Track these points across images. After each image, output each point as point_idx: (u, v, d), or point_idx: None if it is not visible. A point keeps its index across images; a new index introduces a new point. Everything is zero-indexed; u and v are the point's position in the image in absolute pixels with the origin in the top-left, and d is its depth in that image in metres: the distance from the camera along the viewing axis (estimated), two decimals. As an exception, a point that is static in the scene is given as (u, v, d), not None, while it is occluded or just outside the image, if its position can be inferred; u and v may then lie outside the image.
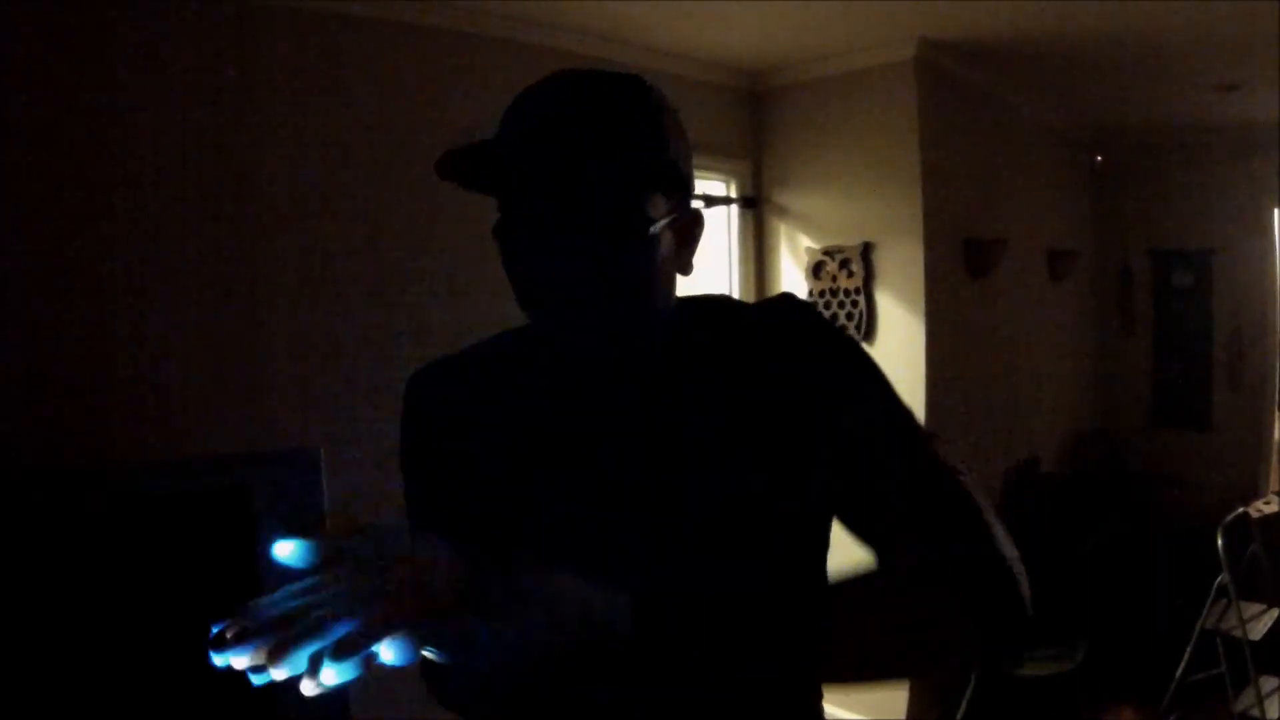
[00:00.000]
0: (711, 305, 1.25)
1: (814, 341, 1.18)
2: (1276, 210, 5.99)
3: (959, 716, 4.20)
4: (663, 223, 1.09)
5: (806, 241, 4.66)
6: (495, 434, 1.18)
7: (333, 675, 0.74)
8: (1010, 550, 1.10)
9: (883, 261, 4.41)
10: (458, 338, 1.32)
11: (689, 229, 1.16)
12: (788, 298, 1.25)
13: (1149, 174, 6.29)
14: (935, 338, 4.30)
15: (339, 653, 0.73)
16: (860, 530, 1.16)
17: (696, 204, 1.26)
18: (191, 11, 3.02)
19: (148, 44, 2.94)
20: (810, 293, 4.60)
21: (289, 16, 3.24)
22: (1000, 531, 1.11)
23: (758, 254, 4.83)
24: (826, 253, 4.55)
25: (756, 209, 4.83)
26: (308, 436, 3.07)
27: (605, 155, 1.05)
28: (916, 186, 4.28)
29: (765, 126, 4.80)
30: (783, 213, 4.77)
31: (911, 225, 4.30)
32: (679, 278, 1.18)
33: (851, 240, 4.47)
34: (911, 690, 4.29)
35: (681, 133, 1.14)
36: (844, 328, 4.36)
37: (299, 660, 0.74)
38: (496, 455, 1.17)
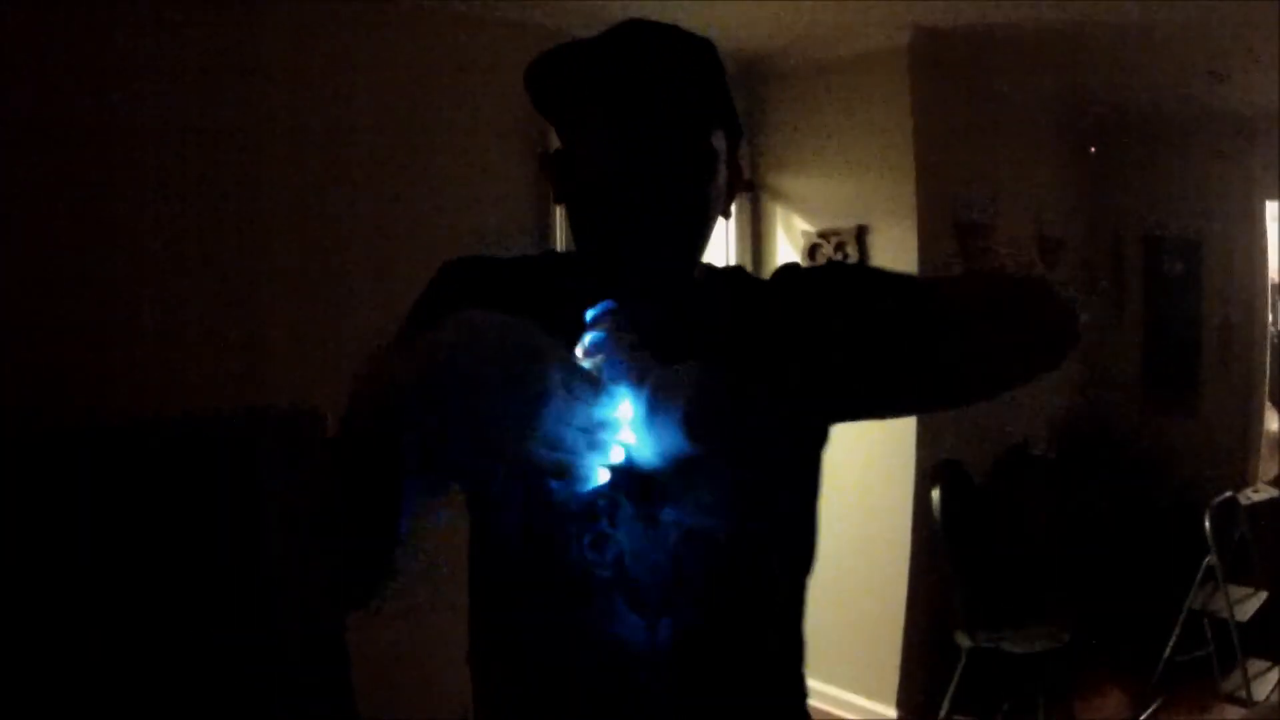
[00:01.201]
0: (731, 270, 1.40)
1: (812, 275, 1.32)
2: (1268, 203, 6.04)
3: (949, 694, 4.25)
4: (722, 157, 1.19)
5: (802, 224, 4.71)
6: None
7: None
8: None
9: (877, 244, 4.46)
10: None
11: (736, 173, 1.27)
12: (792, 264, 1.35)
13: (1141, 162, 6.32)
14: (929, 320, 4.34)
15: None
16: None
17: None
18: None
19: (150, 29, 2.98)
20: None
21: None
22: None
23: (754, 236, 4.88)
24: (822, 235, 4.60)
25: (753, 192, 4.87)
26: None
27: (684, 88, 1.15)
28: (910, 171, 4.33)
29: (762, 111, 4.84)
30: (778, 196, 4.81)
31: (905, 209, 4.35)
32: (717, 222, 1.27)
33: (846, 223, 4.52)
34: (902, 667, 4.35)
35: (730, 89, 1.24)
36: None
37: None
38: None
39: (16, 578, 2.41)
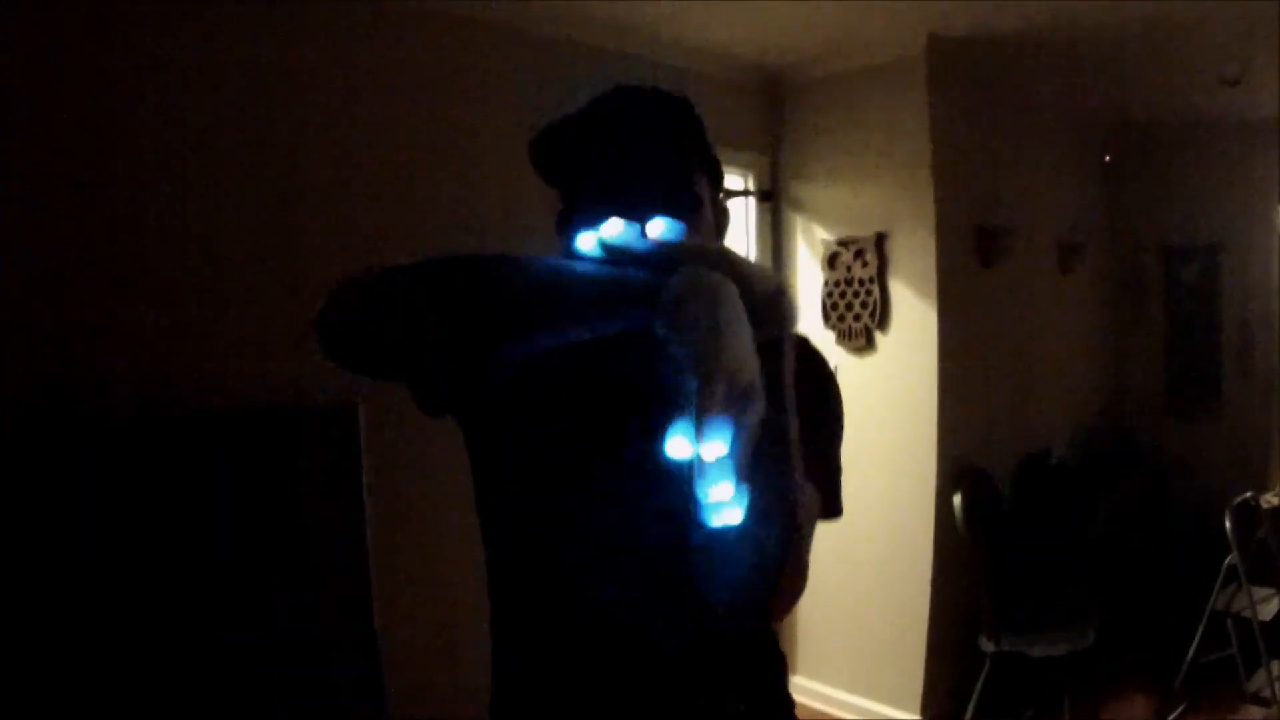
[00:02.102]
0: None
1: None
2: (1282, 206, 6.06)
3: (974, 699, 4.28)
4: (707, 200, 1.34)
5: (822, 233, 4.75)
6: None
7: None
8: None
9: (896, 251, 4.50)
10: None
11: (722, 213, 1.43)
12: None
13: (1157, 168, 6.36)
14: (947, 325, 4.38)
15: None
16: None
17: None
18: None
19: (181, 31, 3.04)
20: (826, 282, 4.70)
21: (324, 7, 3.35)
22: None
23: (775, 245, 4.93)
24: (841, 243, 4.64)
25: (773, 201, 4.92)
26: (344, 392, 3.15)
27: (664, 147, 1.29)
28: (928, 178, 4.37)
29: (782, 122, 4.89)
30: (799, 205, 4.86)
31: (923, 216, 4.39)
32: None
33: (865, 231, 4.56)
34: (926, 675, 4.37)
35: (708, 132, 1.39)
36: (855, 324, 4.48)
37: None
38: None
39: (56, 567, 2.43)
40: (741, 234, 4.88)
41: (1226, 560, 4.50)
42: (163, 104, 3.01)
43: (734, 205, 4.83)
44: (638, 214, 1.17)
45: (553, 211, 1.38)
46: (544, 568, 1.33)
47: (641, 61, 4.15)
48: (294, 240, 3.28)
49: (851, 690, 4.61)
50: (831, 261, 4.69)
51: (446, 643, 3.37)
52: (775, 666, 1.48)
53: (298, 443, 2.81)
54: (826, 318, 4.74)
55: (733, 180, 4.83)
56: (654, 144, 1.31)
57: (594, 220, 1.20)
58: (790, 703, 1.49)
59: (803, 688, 4.66)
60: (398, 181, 3.55)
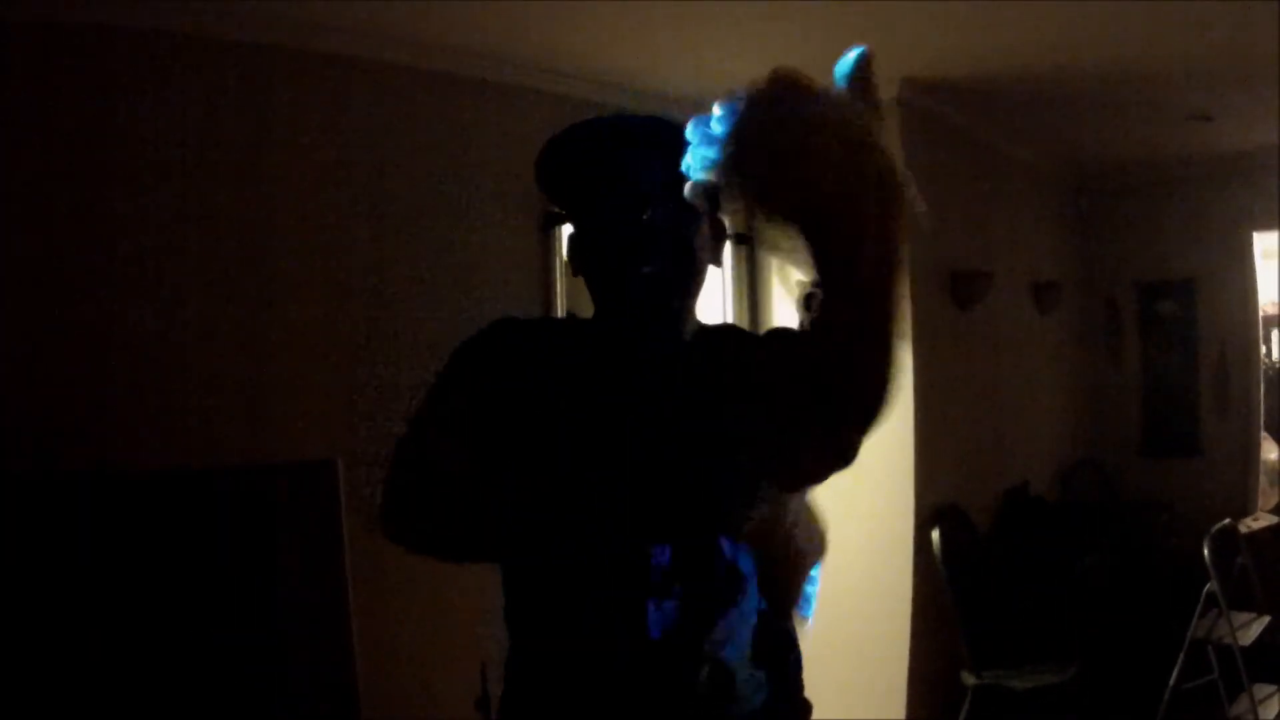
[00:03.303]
0: (722, 328, 1.66)
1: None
2: (1255, 236, 6.16)
3: (958, 729, 4.32)
4: (703, 217, 1.44)
5: (797, 275, 4.81)
6: (571, 399, 1.44)
7: None
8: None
9: (871, 292, 4.56)
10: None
11: (717, 228, 1.52)
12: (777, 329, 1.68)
13: (1130, 206, 6.46)
14: (924, 366, 4.44)
15: None
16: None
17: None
18: (198, 47, 3.24)
19: (155, 78, 3.15)
20: (801, 324, 4.74)
21: (295, 59, 3.46)
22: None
23: (751, 286, 4.99)
24: (816, 285, 4.70)
25: (750, 244, 5.00)
26: (319, 445, 3.23)
27: (664, 163, 1.38)
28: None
29: (756, 166, 4.97)
30: (775, 246, 4.92)
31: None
32: (710, 270, 1.55)
33: (841, 272, 4.62)
34: (909, 709, 4.40)
35: None
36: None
37: None
38: (571, 415, 1.43)
39: (36, 629, 2.46)
40: (718, 275, 4.94)
41: (1205, 588, 4.55)
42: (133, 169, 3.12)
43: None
44: (640, 224, 1.40)
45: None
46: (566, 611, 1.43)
47: (615, 109, 4.24)
48: (272, 290, 3.38)
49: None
50: (807, 302, 4.73)
51: (430, 698, 3.41)
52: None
53: (278, 499, 2.84)
54: (803, 358, 4.76)
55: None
56: (654, 164, 1.39)
57: (600, 228, 1.44)
58: None
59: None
60: (394, 241, 3.67)
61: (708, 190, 1.43)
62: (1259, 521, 5.31)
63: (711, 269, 1.55)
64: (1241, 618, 4.60)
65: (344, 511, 2.84)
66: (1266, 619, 4.65)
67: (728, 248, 4.76)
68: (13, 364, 2.83)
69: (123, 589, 2.57)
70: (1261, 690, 4.48)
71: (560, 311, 3.94)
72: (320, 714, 2.86)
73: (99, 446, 2.89)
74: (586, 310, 1.57)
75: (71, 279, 2.97)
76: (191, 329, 3.17)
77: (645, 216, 1.41)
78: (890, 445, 4.45)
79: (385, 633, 3.34)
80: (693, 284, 1.50)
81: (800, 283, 4.74)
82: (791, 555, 1.44)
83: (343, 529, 2.84)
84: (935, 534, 4.37)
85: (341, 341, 3.49)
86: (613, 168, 1.44)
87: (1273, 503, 6.19)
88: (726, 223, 1.53)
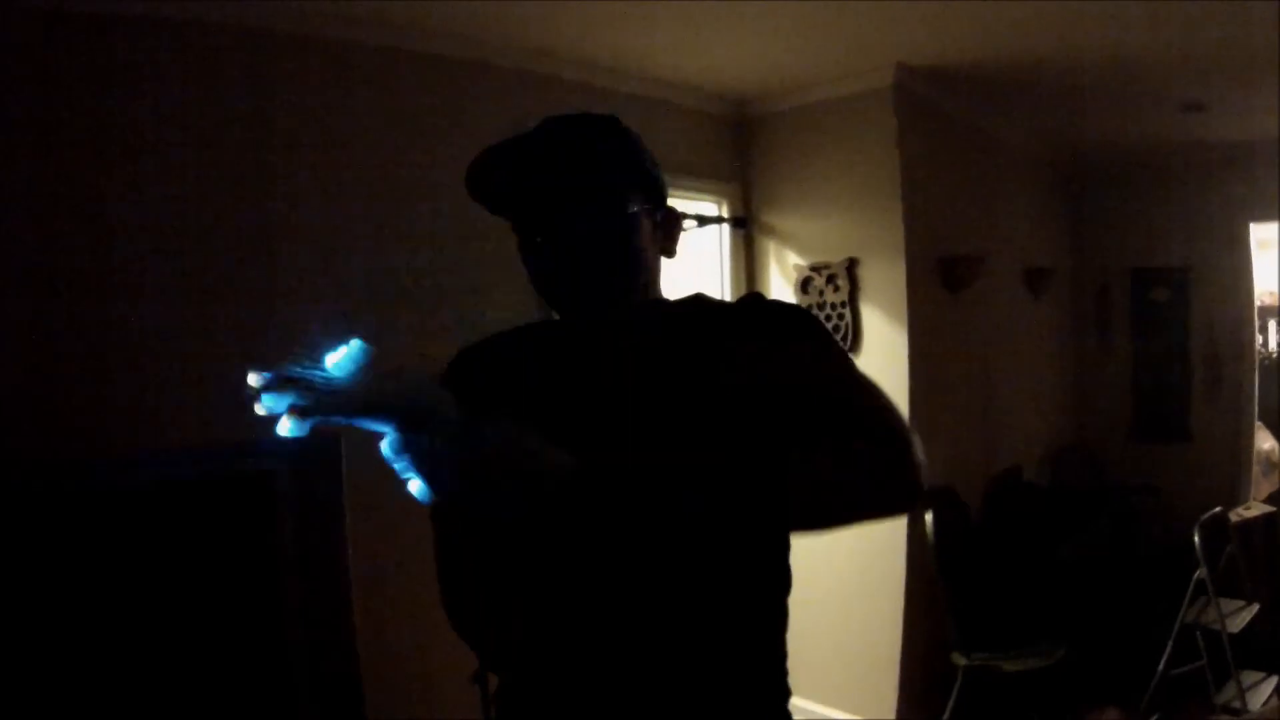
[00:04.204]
0: (690, 299, 1.57)
1: (767, 316, 1.48)
2: (1251, 225, 6.18)
3: (947, 713, 4.35)
4: (640, 212, 1.43)
5: (794, 258, 4.87)
6: (526, 396, 1.43)
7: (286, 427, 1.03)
8: (913, 438, 1.34)
9: (866, 276, 4.61)
10: (453, 336, 1.57)
11: (666, 220, 1.50)
12: (753, 294, 1.60)
13: (1125, 193, 6.49)
14: (917, 347, 4.48)
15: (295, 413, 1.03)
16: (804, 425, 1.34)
17: (688, 217, 1.60)
18: (199, 35, 3.22)
19: (156, 64, 3.13)
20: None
21: (294, 45, 3.45)
22: (906, 427, 1.35)
23: (748, 271, 5.03)
24: (813, 269, 4.75)
25: (746, 229, 5.03)
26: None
27: (592, 170, 1.40)
28: (897, 205, 4.48)
29: (754, 151, 5.01)
30: (771, 232, 4.97)
31: (893, 242, 4.50)
32: (664, 260, 1.52)
33: (837, 257, 4.67)
34: (900, 688, 4.45)
35: (648, 152, 1.49)
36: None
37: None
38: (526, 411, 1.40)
39: (36, 604, 2.48)
40: (716, 260, 4.99)
41: (1195, 575, 4.58)
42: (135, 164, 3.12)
43: (709, 232, 4.94)
44: (566, 234, 1.38)
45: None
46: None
47: (614, 95, 4.27)
48: (279, 273, 3.39)
49: (825, 703, 4.67)
50: (804, 286, 4.80)
51: (430, 673, 3.43)
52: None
53: (279, 474, 2.86)
54: (800, 340, 4.80)
55: (707, 208, 4.94)
56: (579, 166, 1.39)
57: (527, 243, 1.42)
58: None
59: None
60: (389, 233, 3.67)
61: (646, 184, 1.46)
62: (1250, 510, 5.32)
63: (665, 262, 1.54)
64: (1231, 605, 4.63)
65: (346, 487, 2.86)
66: (1255, 607, 4.68)
67: (725, 232, 4.85)
68: (11, 352, 2.84)
69: (122, 573, 2.59)
70: (1249, 677, 4.53)
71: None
72: (323, 693, 2.88)
73: (98, 440, 2.90)
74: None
75: (69, 268, 2.95)
76: (191, 317, 3.17)
77: (566, 216, 1.38)
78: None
79: (388, 611, 3.38)
80: (630, 281, 1.44)
81: (797, 266, 4.82)
82: None
83: (343, 504, 2.87)
84: (928, 516, 4.41)
85: (344, 328, 3.47)
86: (518, 185, 1.42)
87: (1265, 492, 6.21)
88: (681, 210, 1.53)
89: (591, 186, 1.38)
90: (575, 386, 1.44)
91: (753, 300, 1.52)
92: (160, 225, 3.12)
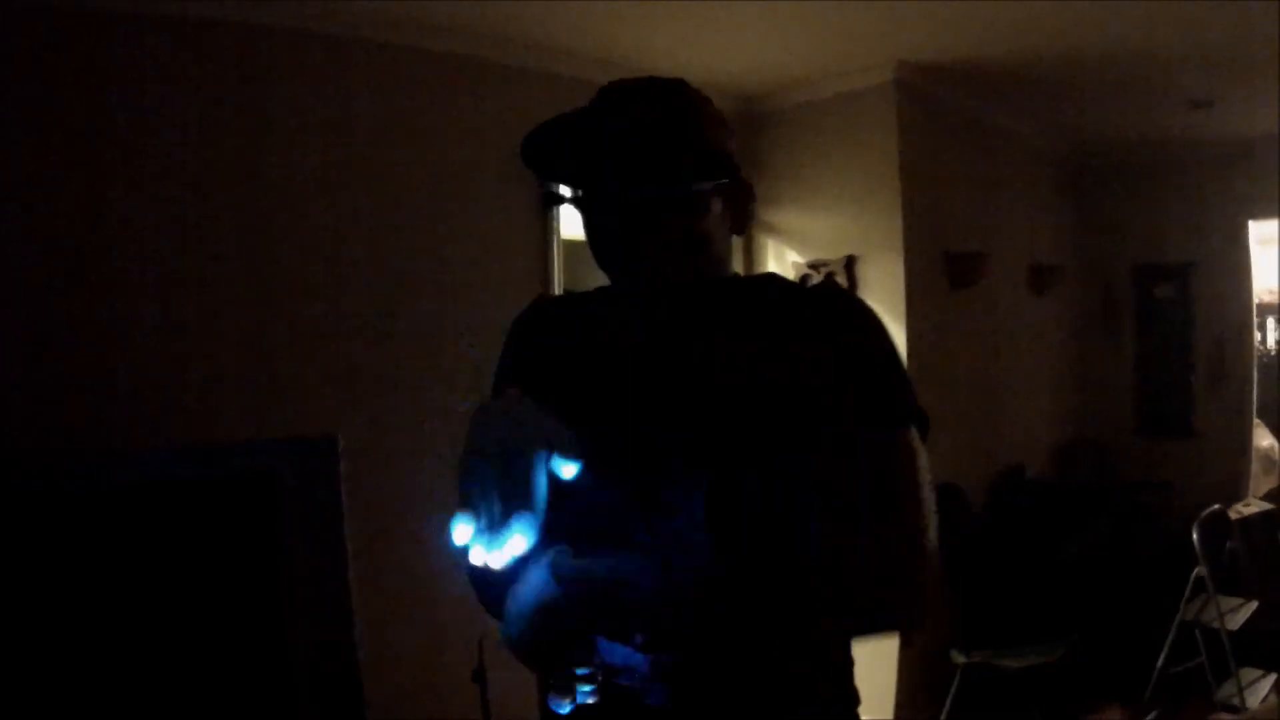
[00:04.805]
0: (763, 278, 1.54)
1: (845, 318, 1.44)
2: (1251, 223, 6.18)
3: (946, 707, 4.36)
4: (709, 190, 1.36)
5: (793, 255, 4.86)
6: (584, 364, 1.41)
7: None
8: (929, 541, 1.28)
9: (866, 273, 4.60)
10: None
11: (735, 195, 1.42)
12: (830, 284, 1.62)
13: (1128, 190, 6.47)
14: (917, 345, 4.48)
15: None
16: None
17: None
18: (199, 32, 3.22)
19: (155, 62, 3.13)
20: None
21: (295, 41, 3.45)
22: (931, 524, 1.28)
23: (747, 268, 5.02)
24: (812, 266, 4.75)
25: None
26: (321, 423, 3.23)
27: (658, 143, 1.34)
28: (896, 202, 4.48)
29: (754, 148, 4.99)
30: (770, 228, 4.96)
31: (892, 239, 4.49)
32: (734, 237, 1.47)
33: (836, 254, 4.67)
34: (899, 684, 4.44)
35: (720, 119, 1.44)
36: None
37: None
38: (584, 379, 1.39)
39: (41, 601, 2.49)
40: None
41: (1195, 572, 4.58)
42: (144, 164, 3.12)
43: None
44: (628, 214, 1.32)
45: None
46: None
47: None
48: (279, 272, 3.39)
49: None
50: (803, 284, 4.78)
51: (430, 671, 3.42)
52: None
53: (279, 474, 2.86)
54: (799, 337, 4.80)
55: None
56: (645, 136, 1.34)
57: (584, 209, 1.39)
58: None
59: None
60: (395, 220, 3.66)
61: (718, 161, 1.39)
62: (1250, 507, 5.33)
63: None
64: (1230, 602, 4.63)
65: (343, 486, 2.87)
66: (1255, 604, 4.68)
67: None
68: (12, 351, 2.84)
69: (123, 572, 2.59)
70: (1248, 674, 4.53)
71: (558, 290, 3.94)
72: (323, 690, 2.89)
73: (99, 439, 2.91)
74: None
75: (69, 267, 2.96)
76: (192, 317, 3.18)
77: (628, 196, 1.31)
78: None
79: (387, 607, 3.37)
80: (695, 257, 1.36)
81: (796, 264, 4.81)
82: None
83: (341, 503, 2.87)
84: (928, 515, 4.40)
85: (344, 326, 3.50)
86: (588, 151, 1.35)
87: (1265, 489, 6.21)
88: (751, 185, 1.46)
89: (654, 163, 1.31)
90: (641, 360, 1.39)
91: (829, 295, 1.51)
92: (160, 224, 3.12)
